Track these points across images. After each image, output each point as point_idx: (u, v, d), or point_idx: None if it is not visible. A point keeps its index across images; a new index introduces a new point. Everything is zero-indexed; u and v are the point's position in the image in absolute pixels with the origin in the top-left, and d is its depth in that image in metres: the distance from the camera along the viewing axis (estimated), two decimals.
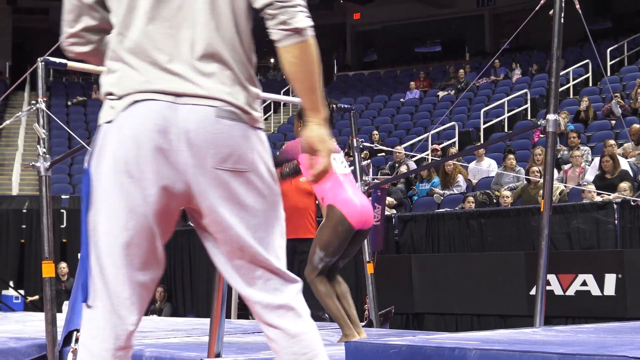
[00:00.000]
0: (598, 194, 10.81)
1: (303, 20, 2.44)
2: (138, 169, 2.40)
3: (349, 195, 5.72)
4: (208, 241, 2.56)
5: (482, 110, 19.31)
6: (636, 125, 13.99)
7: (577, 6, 6.02)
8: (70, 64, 6.08)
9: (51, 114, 6.11)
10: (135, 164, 2.40)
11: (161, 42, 2.44)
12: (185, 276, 13.37)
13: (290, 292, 2.55)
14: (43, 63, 5.98)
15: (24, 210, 17.68)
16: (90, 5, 2.58)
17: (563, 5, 5.86)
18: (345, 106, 8.37)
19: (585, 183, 11.95)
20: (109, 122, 2.46)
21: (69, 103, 25.46)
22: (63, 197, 18.07)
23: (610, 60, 20.13)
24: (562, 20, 5.91)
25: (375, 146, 11.94)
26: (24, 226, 17.44)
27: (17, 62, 27.55)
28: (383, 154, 17.44)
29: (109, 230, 2.44)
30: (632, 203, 7.78)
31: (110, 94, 2.47)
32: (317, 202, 9.37)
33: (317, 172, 2.56)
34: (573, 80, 20.02)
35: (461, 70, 22.84)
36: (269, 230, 2.54)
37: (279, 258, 2.55)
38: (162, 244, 2.52)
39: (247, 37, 2.53)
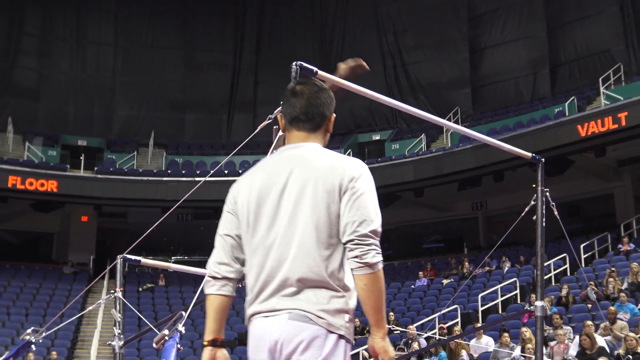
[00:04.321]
0: None
1: (374, 257, 2.67)
2: None
3: None
4: None
5: (480, 296, 19.09)
6: (612, 308, 13.75)
7: (556, 212, 6.06)
8: (144, 261, 6.12)
9: (125, 300, 6.10)
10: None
11: (269, 276, 2.73)
12: None
13: None
14: (122, 259, 6.00)
15: None
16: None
17: (544, 212, 5.90)
18: None
19: (570, 358, 11.65)
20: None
21: (140, 289, 25.45)
22: None
23: (584, 254, 20.02)
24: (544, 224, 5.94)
25: (392, 327, 11.77)
26: None
27: (99, 256, 27.82)
28: (398, 331, 17.15)
29: None
30: None
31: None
32: None
33: None
34: (554, 270, 19.85)
35: (466, 263, 22.77)
36: None
37: None
38: None
39: (333, 265, 2.71)
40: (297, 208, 2.72)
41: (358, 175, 2.75)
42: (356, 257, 2.66)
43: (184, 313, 3.82)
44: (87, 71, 30.49)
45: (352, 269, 2.70)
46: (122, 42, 30.96)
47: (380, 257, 2.69)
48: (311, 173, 2.75)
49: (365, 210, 2.70)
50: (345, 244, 2.69)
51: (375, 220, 2.71)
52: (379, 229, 2.72)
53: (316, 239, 2.69)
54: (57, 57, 30.21)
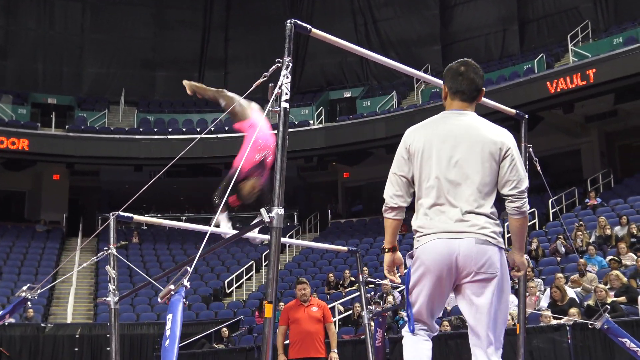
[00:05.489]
0: (554, 318, 10.76)
1: (526, 206, 3.74)
2: (434, 270, 3.73)
3: None
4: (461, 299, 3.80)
5: None
6: (581, 260, 14.05)
7: (538, 168, 6.16)
8: (136, 217, 6.12)
9: (120, 256, 6.12)
10: (432, 267, 3.74)
11: (445, 206, 3.72)
12: None
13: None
14: (114, 217, 5.99)
15: (77, 336, 17.38)
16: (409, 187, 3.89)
17: (527, 167, 6.00)
18: (353, 248, 8.48)
19: (542, 309, 11.90)
20: (417, 248, 3.80)
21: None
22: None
23: (552, 209, 20.35)
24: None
25: (376, 280, 11.95)
26: (76, 349, 17.12)
27: (71, 214, 27.66)
28: (372, 285, 17.33)
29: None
30: (589, 326, 7.74)
31: (417, 232, 3.81)
32: (324, 327, 9.29)
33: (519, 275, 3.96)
34: None
35: None
36: (498, 307, 3.74)
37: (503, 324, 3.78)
38: (443, 301, 3.86)
39: (491, 201, 3.73)
40: (467, 160, 3.71)
41: (514, 145, 3.75)
42: (517, 207, 3.72)
43: (188, 268, 3.87)
44: (55, 28, 29.91)
45: (510, 214, 3.75)
46: None
47: (528, 207, 3.75)
48: (479, 138, 3.75)
49: (522, 172, 3.74)
50: (506, 196, 3.73)
51: (526, 180, 3.75)
52: (527, 186, 3.75)
53: (480, 183, 3.70)
54: (24, 14, 29.57)
